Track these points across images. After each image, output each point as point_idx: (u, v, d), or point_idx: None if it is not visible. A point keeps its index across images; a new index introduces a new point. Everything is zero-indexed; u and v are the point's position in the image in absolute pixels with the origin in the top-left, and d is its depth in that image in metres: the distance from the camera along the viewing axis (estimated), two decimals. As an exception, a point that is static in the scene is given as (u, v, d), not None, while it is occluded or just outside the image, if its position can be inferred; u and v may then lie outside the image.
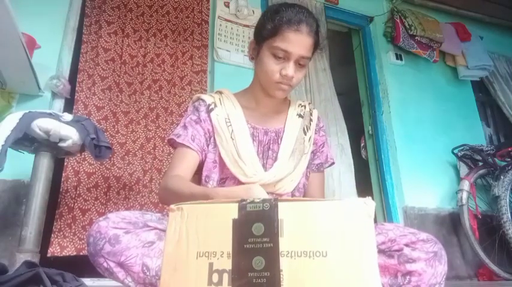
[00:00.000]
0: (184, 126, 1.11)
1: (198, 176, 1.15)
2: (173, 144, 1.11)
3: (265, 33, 1.06)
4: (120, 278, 0.83)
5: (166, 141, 1.23)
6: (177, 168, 1.04)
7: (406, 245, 0.86)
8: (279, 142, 1.14)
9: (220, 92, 1.20)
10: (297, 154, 1.13)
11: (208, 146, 1.11)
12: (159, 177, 2.32)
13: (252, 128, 1.14)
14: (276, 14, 1.05)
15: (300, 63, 1.05)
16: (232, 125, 1.10)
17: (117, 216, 0.85)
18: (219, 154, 1.09)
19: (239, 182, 1.06)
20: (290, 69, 1.03)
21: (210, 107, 1.13)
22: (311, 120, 1.23)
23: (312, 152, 1.22)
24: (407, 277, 0.84)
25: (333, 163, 1.28)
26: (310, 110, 1.26)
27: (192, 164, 1.07)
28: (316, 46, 1.10)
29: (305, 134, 1.18)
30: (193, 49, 2.69)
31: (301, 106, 1.25)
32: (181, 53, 2.65)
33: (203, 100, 1.16)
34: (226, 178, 1.10)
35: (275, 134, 1.16)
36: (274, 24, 1.04)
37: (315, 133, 1.24)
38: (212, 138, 1.11)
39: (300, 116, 1.21)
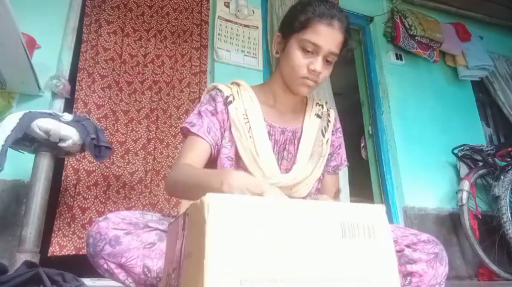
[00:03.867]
0: (200, 115, 1.05)
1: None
2: (185, 131, 1.05)
3: (295, 26, 1.02)
4: (121, 279, 0.81)
5: (179, 129, 1.18)
6: (188, 157, 0.98)
7: (407, 246, 0.85)
8: (295, 143, 1.10)
9: (238, 84, 1.14)
10: (315, 156, 1.09)
11: (222, 140, 1.06)
12: (158, 179, 2.32)
13: (269, 126, 1.09)
14: (309, 6, 1.02)
15: (327, 60, 1.02)
16: (250, 121, 1.05)
17: (117, 216, 0.83)
18: (236, 150, 1.04)
19: None
20: (318, 64, 0.99)
21: (229, 100, 1.07)
22: (329, 121, 1.19)
23: (329, 154, 1.18)
24: (408, 278, 0.83)
25: (347, 165, 1.24)
26: (327, 110, 1.22)
27: (204, 155, 1.01)
28: (345, 44, 1.05)
29: (323, 136, 1.15)
30: (192, 50, 2.69)
31: (319, 105, 1.21)
32: (180, 55, 2.65)
33: (220, 90, 1.10)
34: None
35: (292, 134, 1.11)
36: (306, 16, 1.00)
37: (332, 134, 1.20)
38: (227, 132, 1.06)
39: (318, 116, 1.17)
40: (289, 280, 0.43)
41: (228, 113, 1.06)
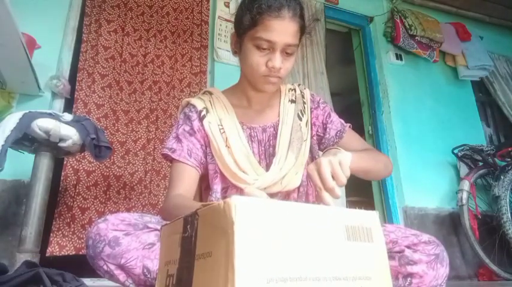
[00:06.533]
0: (178, 139, 1.04)
1: (198, 187, 1.10)
2: (168, 158, 1.04)
3: (245, 25, 0.97)
4: (121, 280, 0.81)
5: (160, 154, 1.15)
6: (178, 188, 0.98)
7: (408, 247, 0.85)
8: (277, 136, 1.08)
9: (210, 93, 1.13)
10: (295, 143, 1.06)
11: (206, 157, 1.06)
12: (158, 178, 2.32)
13: (249, 129, 1.08)
14: (254, 1, 0.95)
15: (287, 52, 0.96)
16: (226, 131, 1.03)
17: (116, 218, 0.83)
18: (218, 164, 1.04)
19: (241, 190, 1.00)
20: (277, 60, 0.94)
21: (202, 114, 1.06)
22: (304, 103, 1.15)
23: (323, 128, 1.16)
24: (408, 279, 0.83)
25: (349, 125, 1.19)
26: (301, 92, 1.18)
27: (192, 181, 1.01)
28: (302, 31, 1.00)
29: (300, 120, 1.11)
30: (192, 50, 2.69)
31: (292, 90, 1.17)
32: (180, 55, 2.65)
33: (193, 106, 1.08)
34: (228, 187, 1.04)
35: (273, 129, 1.09)
36: (253, 13, 0.94)
37: (315, 109, 1.17)
38: (209, 148, 1.06)
39: (292, 101, 1.14)
40: (307, 279, 0.46)
41: (204, 129, 1.05)
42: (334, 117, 1.19)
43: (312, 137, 1.15)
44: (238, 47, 1.04)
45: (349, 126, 1.19)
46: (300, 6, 0.98)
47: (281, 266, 0.45)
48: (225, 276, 0.42)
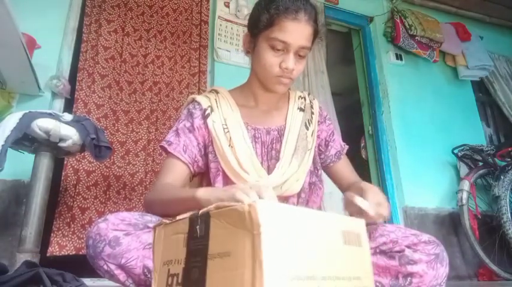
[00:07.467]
0: (177, 133, 1.06)
1: (198, 185, 1.11)
2: (165, 150, 1.06)
3: (261, 24, 0.99)
4: (121, 280, 0.81)
5: (159, 146, 1.17)
6: (166, 178, 1.00)
7: (408, 246, 0.85)
8: (281, 141, 1.08)
9: (216, 91, 1.13)
10: (300, 151, 1.07)
11: (208, 155, 1.06)
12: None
13: (253, 130, 1.08)
14: (272, 2, 0.98)
15: (299, 55, 0.99)
16: (230, 131, 1.03)
17: (117, 217, 0.82)
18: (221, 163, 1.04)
19: None
20: (290, 61, 0.97)
21: (206, 113, 1.06)
22: (312, 113, 1.17)
23: (325, 144, 1.18)
24: (408, 279, 0.84)
25: (347, 147, 1.23)
26: (310, 101, 1.20)
27: (181, 176, 1.02)
28: (315, 35, 1.03)
29: (307, 129, 1.12)
30: (191, 51, 2.69)
31: (301, 98, 1.19)
32: (179, 56, 2.65)
33: (198, 103, 1.09)
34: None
35: (277, 132, 1.10)
36: (270, 13, 0.97)
37: (321, 123, 1.19)
38: (211, 147, 1.05)
39: (300, 109, 1.15)
40: (317, 278, 0.51)
41: (207, 127, 1.05)
42: (336, 136, 1.22)
43: (315, 147, 1.16)
44: (251, 47, 1.06)
45: (347, 148, 1.23)
46: (315, 10, 1.01)
47: (297, 265, 0.49)
48: (252, 274, 0.45)
